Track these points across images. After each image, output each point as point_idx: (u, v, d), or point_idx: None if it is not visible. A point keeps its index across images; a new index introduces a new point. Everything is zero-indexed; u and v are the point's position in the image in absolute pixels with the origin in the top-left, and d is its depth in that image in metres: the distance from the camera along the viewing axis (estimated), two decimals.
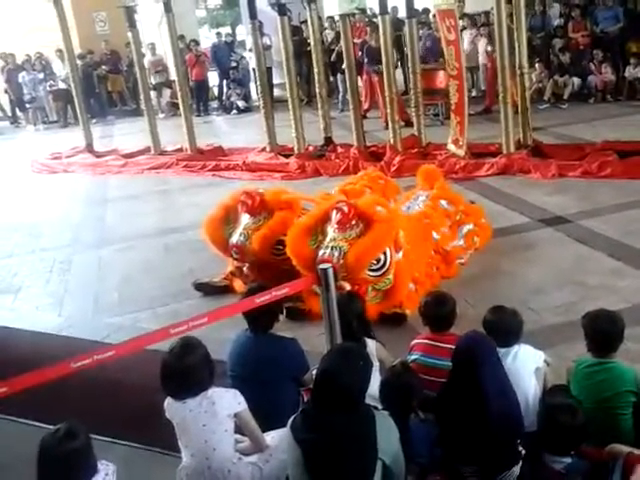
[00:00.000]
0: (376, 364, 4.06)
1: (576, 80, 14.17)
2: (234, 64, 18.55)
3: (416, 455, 3.40)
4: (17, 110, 20.08)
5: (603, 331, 3.70)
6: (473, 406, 3.30)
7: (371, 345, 4.20)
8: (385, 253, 5.57)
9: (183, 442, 3.58)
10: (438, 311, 4.20)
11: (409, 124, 11.70)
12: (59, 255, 8.32)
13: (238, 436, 3.72)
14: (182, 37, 17.13)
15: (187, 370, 3.48)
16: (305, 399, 4.05)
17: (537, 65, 14.02)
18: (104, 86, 19.68)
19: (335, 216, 5.60)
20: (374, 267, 5.55)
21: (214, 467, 3.51)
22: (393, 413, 3.36)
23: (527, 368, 3.84)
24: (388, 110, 10.80)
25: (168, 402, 3.57)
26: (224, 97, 18.74)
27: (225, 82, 18.80)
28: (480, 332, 3.65)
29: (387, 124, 11.30)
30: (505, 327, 3.87)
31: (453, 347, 3.98)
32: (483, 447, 3.27)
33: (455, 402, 3.39)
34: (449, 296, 4.28)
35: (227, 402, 3.53)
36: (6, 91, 19.78)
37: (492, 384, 3.34)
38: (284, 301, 4.47)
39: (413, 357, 4.16)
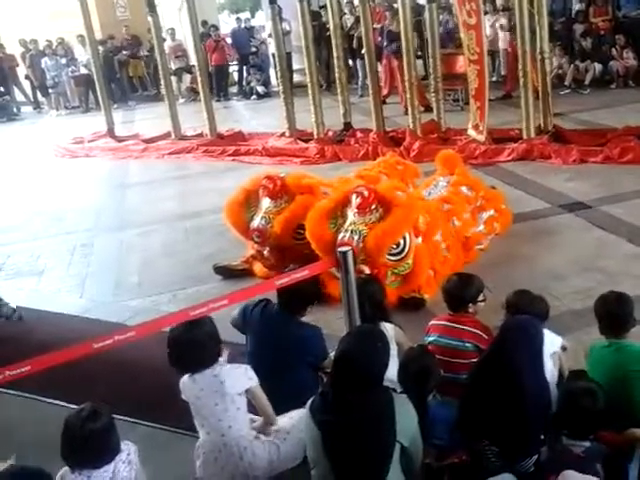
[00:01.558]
0: (394, 348, 4.08)
1: (597, 65, 14.04)
2: (254, 49, 18.55)
3: (434, 437, 3.42)
4: (39, 95, 20.22)
5: (612, 312, 3.73)
6: (509, 385, 3.30)
7: (389, 329, 4.21)
8: (404, 237, 5.57)
9: (198, 421, 3.64)
10: (459, 290, 4.18)
11: (429, 109, 11.66)
12: (81, 238, 8.41)
13: (252, 416, 3.76)
14: (205, 23, 17.22)
15: (192, 342, 3.52)
16: (325, 381, 4.07)
17: (557, 50, 13.87)
18: (125, 71, 19.75)
19: (355, 200, 5.61)
20: (393, 251, 5.55)
21: (230, 444, 3.57)
22: (411, 395, 3.38)
23: (546, 352, 3.84)
24: (408, 95, 10.77)
25: (183, 382, 3.62)
26: (244, 82, 18.75)
27: (245, 67, 18.81)
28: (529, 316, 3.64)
29: (406, 109, 11.26)
30: (530, 311, 3.88)
31: (470, 329, 4.02)
32: (514, 427, 3.28)
33: (490, 380, 3.38)
34: (476, 278, 4.24)
35: (236, 380, 3.56)
36: (27, 77, 19.92)
37: (530, 367, 3.36)
38: (320, 290, 4.48)
39: (430, 339, 4.16)
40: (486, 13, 14.14)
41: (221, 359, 3.66)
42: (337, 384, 3.13)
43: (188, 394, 3.60)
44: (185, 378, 3.61)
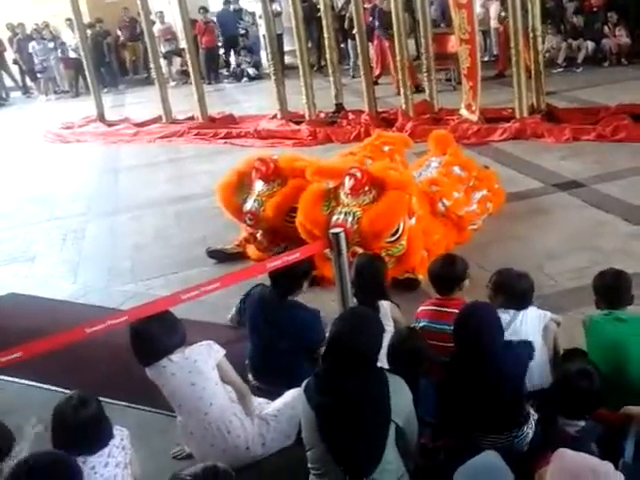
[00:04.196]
0: (391, 324, 4.08)
1: (590, 43, 13.98)
2: (243, 31, 18.41)
3: (427, 415, 3.41)
4: (28, 80, 20.06)
5: (610, 286, 3.77)
6: (477, 373, 3.34)
7: (386, 306, 4.22)
8: None
9: (175, 402, 3.65)
10: (445, 272, 4.18)
11: (419, 89, 11.62)
12: (73, 224, 8.37)
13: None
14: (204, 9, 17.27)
15: (151, 337, 3.53)
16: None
17: (549, 28, 13.77)
18: (116, 55, 19.62)
19: (348, 182, 5.58)
20: None
21: (215, 421, 3.59)
22: (402, 377, 3.38)
23: (535, 328, 3.84)
24: (400, 76, 10.72)
25: (148, 373, 3.63)
26: (233, 65, 18.62)
27: (233, 51, 18.66)
28: (481, 301, 3.66)
29: (399, 90, 11.22)
30: (515, 288, 3.87)
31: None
32: (489, 409, 3.30)
33: (461, 370, 3.42)
34: (460, 258, 4.25)
35: (207, 355, 3.59)
36: (15, 61, 19.74)
37: (494, 350, 3.37)
38: (311, 270, 4.47)
39: (421, 324, 4.16)
40: None
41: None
42: (331, 365, 3.12)
43: (155, 377, 3.61)
44: (150, 369, 3.60)
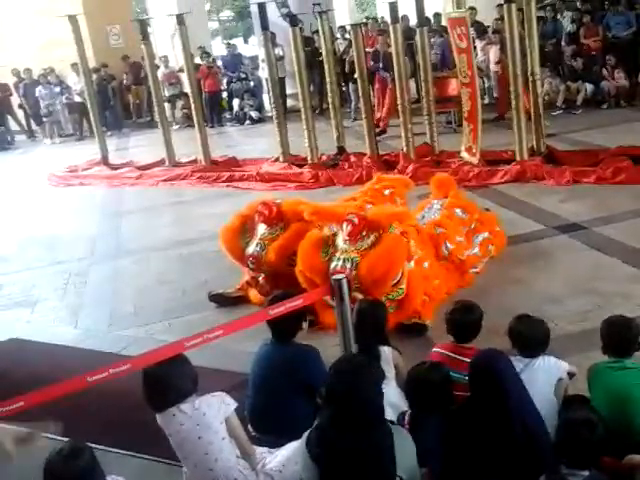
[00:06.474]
0: (392, 371, 4.07)
1: (589, 86, 14.12)
2: (243, 75, 18.65)
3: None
4: (33, 124, 20.24)
5: (620, 335, 3.74)
6: (496, 422, 3.28)
7: (387, 352, 4.20)
8: None
9: (181, 454, 3.60)
10: (466, 319, 4.15)
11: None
12: (75, 267, 8.37)
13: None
14: (207, 54, 17.65)
15: (163, 381, 3.49)
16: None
17: (548, 74, 13.91)
18: (119, 99, 19.81)
19: (346, 228, 5.61)
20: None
21: (219, 478, 3.53)
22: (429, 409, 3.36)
23: (549, 379, 3.80)
24: (401, 118, 10.78)
25: (159, 420, 3.58)
26: (237, 108, 18.82)
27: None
28: (494, 348, 3.62)
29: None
30: (532, 336, 3.86)
31: None
32: (508, 462, 3.25)
33: (476, 419, 3.36)
34: (477, 306, 4.23)
35: (217, 408, 3.53)
36: (20, 106, 19.95)
37: (514, 399, 3.33)
38: (307, 310, 4.47)
39: None
40: (477, 37, 14.29)
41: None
42: (333, 419, 3.07)
43: (165, 426, 3.57)
44: (161, 415, 3.56)
